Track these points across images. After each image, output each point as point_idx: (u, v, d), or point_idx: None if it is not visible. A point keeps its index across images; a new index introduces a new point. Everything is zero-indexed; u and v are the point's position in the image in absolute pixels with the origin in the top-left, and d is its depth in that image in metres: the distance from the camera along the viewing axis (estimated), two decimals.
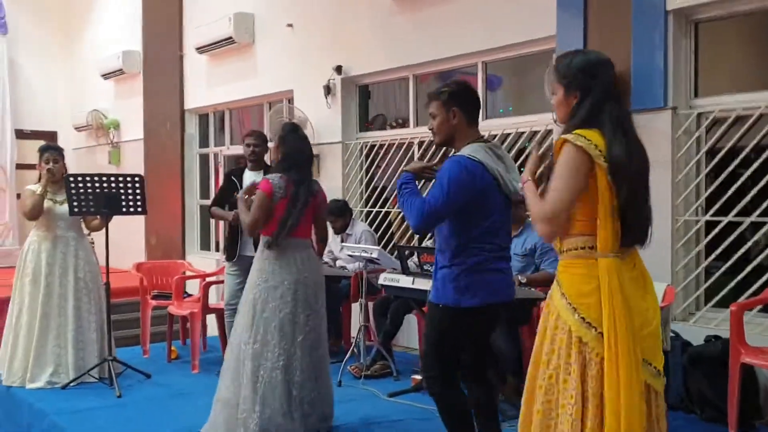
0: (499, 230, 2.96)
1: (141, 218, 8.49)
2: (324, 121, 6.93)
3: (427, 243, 5.24)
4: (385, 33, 6.28)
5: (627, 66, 4.47)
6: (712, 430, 3.78)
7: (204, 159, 9.21)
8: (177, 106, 9.15)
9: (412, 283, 4.36)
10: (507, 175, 2.96)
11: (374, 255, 4.89)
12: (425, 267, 4.28)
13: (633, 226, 2.21)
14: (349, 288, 5.83)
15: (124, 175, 4.97)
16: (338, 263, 6.08)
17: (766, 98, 4.11)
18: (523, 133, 5.49)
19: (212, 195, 9.02)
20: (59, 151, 5.10)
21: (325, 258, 6.23)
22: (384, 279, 4.59)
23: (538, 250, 4.45)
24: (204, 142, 9.20)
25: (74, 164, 10.55)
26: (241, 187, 5.11)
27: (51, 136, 11.59)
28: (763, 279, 4.03)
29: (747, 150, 4.19)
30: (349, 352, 5.10)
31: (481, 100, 5.58)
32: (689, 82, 4.42)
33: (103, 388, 4.83)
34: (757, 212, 4.10)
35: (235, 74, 8.14)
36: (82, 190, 4.77)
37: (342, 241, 6.09)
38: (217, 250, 8.89)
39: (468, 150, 2.91)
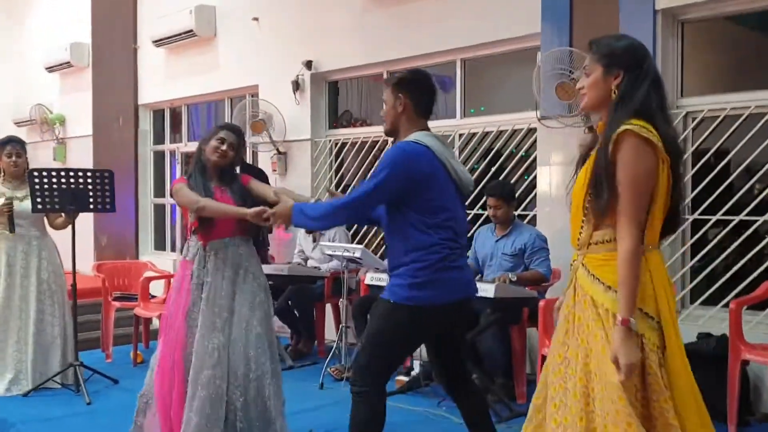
0: (456, 225, 2.82)
1: (89, 217, 8.13)
2: (292, 118, 6.75)
3: None
4: (358, 27, 6.15)
5: None
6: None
7: (159, 156, 8.88)
8: (130, 101, 8.80)
9: None
10: (456, 164, 2.84)
11: (357, 254, 4.75)
12: None
13: (674, 220, 2.16)
14: (323, 288, 5.68)
15: (93, 170, 4.70)
16: (310, 263, 5.92)
17: (755, 98, 4.16)
18: (502, 131, 5.46)
19: (167, 193, 8.75)
20: (22, 144, 4.79)
21: (296, 258, 6.07)
22: (371, 279, 4.47)
23: (528, 250, 4.41)
24: (159, 139, 8.87)
25: None
26: None
27: None
28: (752, 277, 4.09)
29: (735, 150, 4.25)
30: (330, 354, 4.95)
31: (457, 97, 5.68)
32: (676, 82, 4.46)
33: (68, 394, 4.55)
34: (745, 212, 4.16)
35: (194, 68, 7.86)
36: (47, 186, 4.47)
37: (314, 240, 5.93)
38: (173, 249, 8.59)
39: (414, 136, 2.78)
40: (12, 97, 10.64)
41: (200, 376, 3.26)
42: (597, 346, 2.11)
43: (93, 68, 9.26)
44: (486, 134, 5.52)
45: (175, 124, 8.70)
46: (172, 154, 8.66)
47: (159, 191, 8.86)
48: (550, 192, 4.91)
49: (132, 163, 8.78)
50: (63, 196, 4.49)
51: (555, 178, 4.87)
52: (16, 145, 4.74)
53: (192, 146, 8.21)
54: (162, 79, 8.34)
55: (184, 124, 8.48)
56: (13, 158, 4.69)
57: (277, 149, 6.85)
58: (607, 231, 2.13)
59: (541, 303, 3.77)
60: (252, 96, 7.25)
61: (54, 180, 4.47)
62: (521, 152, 5.43)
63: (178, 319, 3.34)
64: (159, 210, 8.89)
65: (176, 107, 8.55)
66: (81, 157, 9.31)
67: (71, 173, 4.56)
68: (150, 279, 5.70)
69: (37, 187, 4.44)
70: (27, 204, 4.61)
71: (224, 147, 3.39)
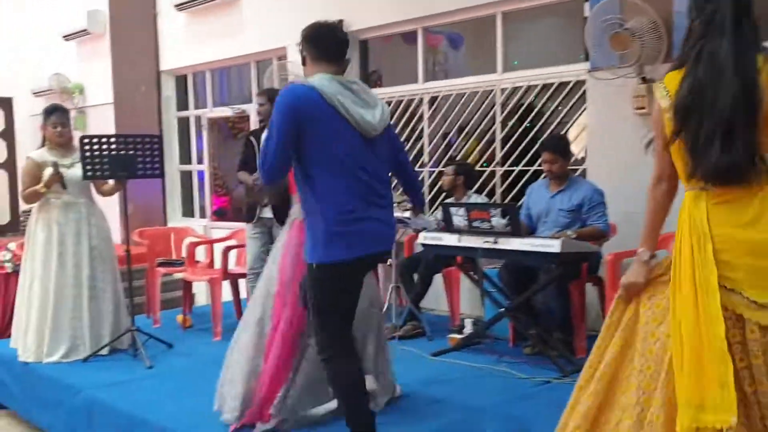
0: (363, 172, 2.69)
1: None
2: None
3: (477, 199, 5.12)
4: None
5: (668, 12, 4.39)
6: None
7: (183, 122, 8.81)
8: (152, 68, 8.68)
9: (458, 241, 4.23)
10: (355, 106, 2.70)
11: (406, 215, 4.73)
12: (474, 224, 4.15)
13: (700, 162, 2.08)
14: None
15: (141, 136, 4.65)
16: None
17: None
18: (534, 86, 5.39)
19: (194, 159, 8.71)
20: (66, 113, 4.75)
21: None
22: (424, 238, 4.44)
23: (586, 206, 4.36)
24: (183, 105, 8.79)
25: (33, 132, 9.97)
26: (258, 148, 4.89)
27: (6, 102, 10.91)
28: None
29: None
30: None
31: (498, 52, 5.58)
32: None
33: (125, 359, 4.58)
34: None
35: (218, 32, 7.75)
36: (96, 152, 4.43)
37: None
38: (202, 216, 8.58)
39: (306, 80, 2.73)
40: (30, 68, 10.52)
41: None
42: None
43: (111, 35, 9.13)
44: (528, 88, 5.45)
45: (199, 90, 8.61)
46: (198, 120, 8.59)
47: (184, 158, 8.82)
48: (601, 145, 4.86)
49: (156, 131, 8.70)
50: (113, 162, 4.45)
51: (605, 131, 4.81)
52: (61, 114, 4.70)
53: (218, 112, 8.15)
54: (184, 44, 8.22)
55: (209, 90, 8.39)
56: (59, 128, 4.66)
57: None
58: None
59: (609, 257, 3.75)
60: (279, 59, 7.17)
61: (104, 147, 4.44)
62: (560, 107, 5.38)
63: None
64: (185, 177, 8.85)
65: (199, 72, 8.45)
66: (102, 125, 9.23)
67: (120, 139, 4.53)
68: (196, 244, 5.69)
69: (88, 154, 4.41)
70: (75, 171, 4.58)
71: None
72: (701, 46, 2.10)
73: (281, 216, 4.83)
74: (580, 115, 5.23)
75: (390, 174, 3.04)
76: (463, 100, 5.89)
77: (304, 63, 2.89)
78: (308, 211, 2.75)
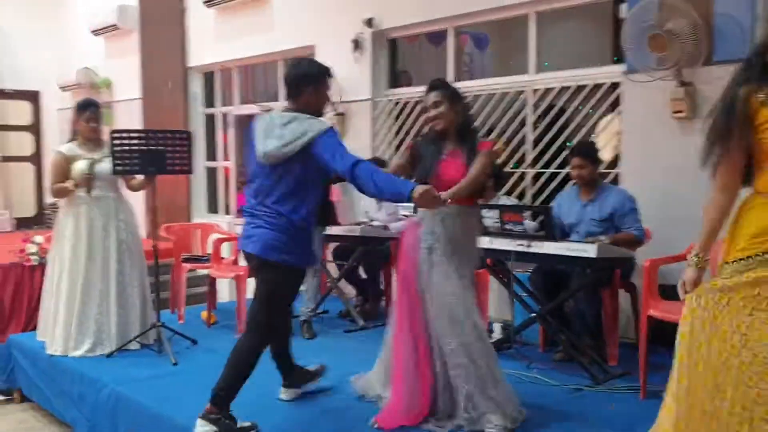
0: (253, 191, 3.35)
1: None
2: (351, 78, 6.62)
3: (507, 201, 5.05)
4: None
5: (708, 14, 4.29)
6: None
7: (209, 119, 8.82)
8: (179, 64, 8.71)
9: (490, 244, 4.14)
10: (265, 136, 3.23)
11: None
12: (506, 226, 4.07)
13: None
14: (389, 249, 5.61)
15: (171, 132, 4.64)
16: (376, 224, 5.84)
17: None
18: (566, 88, 5.32)
19: (220, 156, 8.71)
20: (99, 109, 4.75)
21: (362, 219, 6.00)
22: None
23: (617, 213, 4.27)
24: (210, 102, 8.80)
25: (59, 125, 10.05)
26: None
27: (33, 95, 11.03)
28: None
29: None
30: None
31: (531, 52, 5.49)
32: None
33: (149, 355, 4.57)
34: None
35: (246, 29, 7.74)
36: (126, 147, 4.42)
37: (378, 201, 5.85)
38: (227, 213, 8.58)
39: None
40: (57, 62, 10.61)
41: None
42: None
43: (141, 31, 9.17)
44: (560, 90, 5.36)
45: (225, 87, 8.61)
46: (224, 117, 8.58)
47: (210, 154, 8.82)
48: (636, 149, 4.76)
49: (182, 127, 8.71)
50: (143, 158, 4.44)
51: (641, 134, 4.71)
52: (95, 109, 4.71)
53: (245, 109, 8.14)
54: (212, 41, 8.23)
55: (236, 87, 8.39)
56: (92, 123, 4.67)
57: (336, 110, 6.75)
58: None
59: (646, 263, 3.66)
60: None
61: (134, 142, 4.42)
62: (590, 110, 5.28)
63: (414, 280, 3.29)
64: (211, 173, 8.86)
65: (226, 69, 8.46)
66: (129, 121, 9.29)
67: (150, 134, 4.51)
68: (222, 240, 5.67)
69: (117, 148, 4.40)
70: (104, 166, 4.57)
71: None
72: None
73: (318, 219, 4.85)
74: (600, 117, 5.16)
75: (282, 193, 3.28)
76: (492, 101, 5.82)
77: None
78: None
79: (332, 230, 5.33)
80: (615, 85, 4.98)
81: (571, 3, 5.26)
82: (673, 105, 4.45)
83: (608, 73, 5.04)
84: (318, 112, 3.30)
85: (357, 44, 6.54)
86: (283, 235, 3.19)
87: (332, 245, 5.87)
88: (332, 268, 5.80)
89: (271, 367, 3.61)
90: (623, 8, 4.72)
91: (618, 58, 5.13)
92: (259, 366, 3.27)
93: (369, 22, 6.44)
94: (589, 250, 3.69)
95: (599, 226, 4.29)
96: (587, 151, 4.42)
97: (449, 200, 3.09)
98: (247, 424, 3.25)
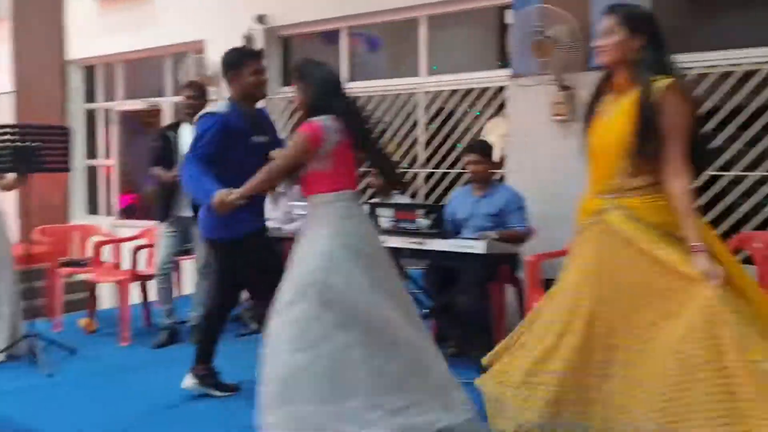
0: None
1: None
2: None
3: (401, 200, 5.06)
4: None
5: (586, 22, 4.49)
6: None
7: (90, 115, 8.39)
8: (57, 57, 8.24)
9: (384, 242, 4.15)
10: None
11: None
12: (400, 224, 4.10)
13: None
14: (284, 250, 5.52)
15: (48, 127, 4.36)
16: (271, 224, 5.73)
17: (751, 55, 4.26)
18: (456, 91, 5.45)
19: (101, 153, 8.29)
20: None
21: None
22: None
23: (507, 210, 4.40)
24: (90, 97, 8.37)
25: None
26: (177, 143, 4.69)
27: None
28: (720, 230, 4.24)
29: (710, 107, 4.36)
30: None
31: (422, 55, 5.56)
32: None
33: (20, 367, 4.26)
34: (716, 166, 4.29)
35: (130, 22, 7.42)
36: None
37: (274, 200, 5.75)
38: (108, 214, 8.18)
39: None
40: None
41: None
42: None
43: (13, 20, 8.60)
44: (451, 92, 5.47)
45: (107, 82, 8.22)
46: (107, 113, 8.19)
47: (91, 152, 8.39)
48: (521, 150, 4.92)
49: (60, 122, 8.24)
50: (15, 154, 4.13)
51: (525, 136, 4.87)
52: None
53: (129, 105, 7.81)
54: (94, 34, 7.83)
55: (120, 82, 8.02)
56: None
57: None
58: (646, 177, 2.38)
59: (530, 258, 3.78)
60: (196, 53, 6.94)
61: (5, 137, 4.12)
62: (477, 112, 5.43)
63: None
64: (91, 172, 8.43)
65: (108, 64, 8.07)
66: (1, 115, 8.69)
67: (23, 129, 4.23)
68: (102, 243, 5.39)
69: None
70: None
71: None
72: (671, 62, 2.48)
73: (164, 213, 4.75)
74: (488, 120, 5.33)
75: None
76: (384, 102, 5.85)
77: None
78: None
79: None
80: (501, 89, 5.13)
81: (459, 8, 5.37)
82: (554, 108, 4.63)
83: (495, 77, 5.19)
84: (252, 97, 3.48)
85: (249, 41, 6.40)
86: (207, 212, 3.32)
87: None
88: None
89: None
90: (508, 14, 4.86)
91: (503, 63, 5.29)
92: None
93: (261, 19, 6.33)
94: (478, 247, 3.78)
95: (490, 221, 4.42)
96: (482, 148, 4.55)
97: (241, 200, 3.06)
98: (231, 383, 3.69)
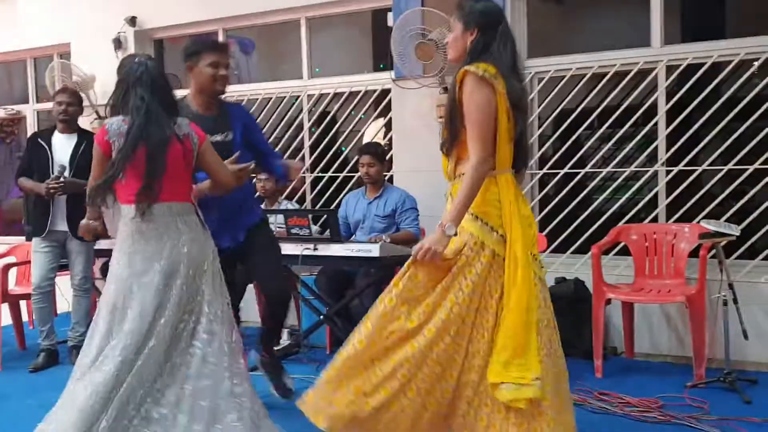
0: None
1: None
2: (113, 80, 6.13)
3: (289, 205, 4.99)
4: None
5: None
6: (570, 363, 4.10)
7: None
8: None
9: None
10: None
11: None
12: (292, 231, 4.05)
13: (522, 152, 2.47)
14: None
15: None
16: None
17: (597, 59, 4.53)
18: (326, 94, 5.48)
19: None
20: None
21: None
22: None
23: (398, 210, 4.46)
24: None
25: None
26: (51, 152, 4.40)
27: None
28: (596, 225, 4.49)
29: (580, 107, 4.61)
30: None
31: (304, 57, 5.53)
32: (523, 43, 4.71)
33: None
34: (590, 164, 4.55)
35: None
36: None
37: None
38: None
39: None
40: None
41: None
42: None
43: None
44: (334, 95, 5.46)
45: None
46: None
47: None
48: (406, 152, 4.99)
49: None
50: None
51: (410, 138, 4.95)
52: None
53: None
54: None
55: None
56: None
57: (98, 113, 6.25)
58: (465, 164, 2.42)
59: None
60: (61, 56, 6.55)
61: None
62: (362, 115, 5.46)
63: None
64: None
65: None
66: None
67: None
68: None
69: None
70: None
71: None
72: (511, 57, 2.43)
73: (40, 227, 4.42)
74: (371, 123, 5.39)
75: None
76: (267, 106, 5.76)
77: None
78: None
79: (102, 244, 4.89)
80: (384, 92, 5.18)
81: (338, 10, 5.38)
82: (437, 111, 4.72)
83: (378, 80, 5.23)
84: (208, 93, 3.17)
85: (119, 44, 6.12)
86: None
87: (101, 261, 5.40)
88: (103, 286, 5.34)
89: None
90: (390, 17, 4.91)
91: (384, 65, 5.34)
92: None
93: (132, 21, 6.05)
94: (373, 250, 3.79)
95: (382, 222, 4.47)
96: (375, 150, 4.59)
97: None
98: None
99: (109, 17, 6.06)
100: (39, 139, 4.48)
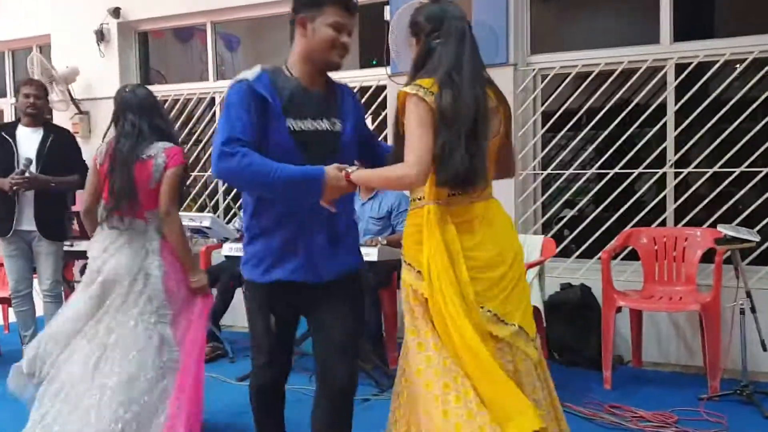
0: None
1: None
2: (97, 73, 5.93)
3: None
4: None
5: (468, 18, 4.42)
6: (576, 374, 3.96)
7: None
8: None
9: None
10: None
11: (206, 223, 4.28)
12: None
13: (452, 173, 2.05)
14: None
15: None
16: None
17: (604, 56, 4.35)
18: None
19: None
20: None
21: None
22: (230, 249, 4.01)
23: (394, 212, 4.26)
24: None
25: None
26: (15, 146, 4.12)
27: None
28: (603, 228, 4.32)
29: (587, 105, 4.44)
30: None
31: None
32: (526, 40, 4.53)
33: None
34: (596, 166, 4.37)
35: None
36: None
37: None
38: None
39: None
40: None
41: None
42: None
43: None
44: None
45: None
46: None
47: None
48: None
49: None
50: None
51: None
52: None
53: None
54: None
55: None
56: None
57: (79, 108, 6.00)
58: (413, 193, 2.22)
59: None
60: (41, 48, 6.29)
61: None
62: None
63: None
64: None
65: None
66: None
67: None
68: None
69: None
70: None
71: None
72: (455, 61, 2.12)
73: (52, 229, 4.14)
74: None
75: None
76: None
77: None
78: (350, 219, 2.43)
79: (82, 245, 4.64)
80: (381, 89, 4.98)
81: None
82: None
83: (374, 75, 5.03)
84: (319, 63, 2.26)
85: (101, 36, 5.87)
86: None
87: (80, 263, 5.14)
88: None
89: None
90: (387, 11, 4.71)
91: (376, 61, 5.14)
92: None
93: (116, 12, 5.80)
94: (371, 253, 3.59)
95: (377, 224, 4.28)
96: None
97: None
98: None
99: (91, 8, 5.82)
100: (2, 133, 4.17)
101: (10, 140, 4.13)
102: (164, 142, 2.96)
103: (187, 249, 3.00)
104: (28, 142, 4.14)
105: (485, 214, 2.15)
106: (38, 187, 4.02)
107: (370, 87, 5.07)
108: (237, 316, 5.05)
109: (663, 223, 4.21)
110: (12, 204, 4.07)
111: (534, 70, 4.48)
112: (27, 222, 4.08)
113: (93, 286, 2.94)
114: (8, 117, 6.70)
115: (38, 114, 4.25)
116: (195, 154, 5.84)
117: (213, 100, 5.73)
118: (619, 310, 3.77)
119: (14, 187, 3.96)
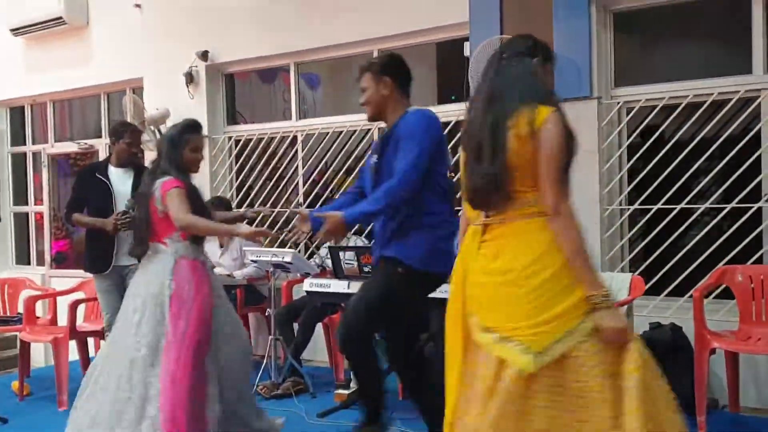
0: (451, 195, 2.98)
1: None
2: (186, 114, 6.10)
3: (358, 241, 4.80)
4: (261, 13, 5.70)
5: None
6: None
7: (19, 159, 7.88)
8: None
9: (347, 288, 3.89)
10: None
11: (287, 259, 4.35)
12: (366, 269, 3.84)
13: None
14: (235, 298, 5.18)
15: None
16: (219, 270, 5.39)
17: (692, 87, 4.22)
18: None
19: (31, 200, 7.77)
20: None
21: None
22: (310, 285, 4.06)
23: None
24: (18, 140, 7.87)
25: None
26: (111, 186, 4.31)
27: None
28: (694, 265, 4.14)
29: (675, 138, 4.30)
30: (261, 369, 4.49)
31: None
32: (609, 72, 4.45)
33: None
34: (686, 200, 4.21)
35: (61, 60, 7.03)
36: None
37: (221, 246, 5.43)
38: (40, 263, 7.63)
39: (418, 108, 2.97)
40: None
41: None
42: None
43: None
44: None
45: (39, 123, 7.74)
46: (36, 156, 7.70)
47: (20, 198, 7.86)
48: None
49: None
50: None
51: None
52: None
53: (61, 147, 7.37)
54: (21, 73, 7.39)
55: (50, 123, 7.56)
56: None
57: None
58: None
59: None
60: (134, 90, 6.61)
61: None
62: None
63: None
64: (21, 220, 7.88)
65: (39, 104, 7.62)
66: None
67: None
68: (35, 298, 4.91)
69: None
70: None
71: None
72: None
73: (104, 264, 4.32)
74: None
75: None
76: (337, 140, 5.63)
77: (383, 91, 2.97)
78: (411, 221, 2.86)
79: None
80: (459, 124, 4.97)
81: (415, 41, 5.22)
82: None
83: (452, 111, 5.03)
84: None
85: (191, 78, 6.12)
86: None
87: None
88: None
89: None
90: (466, 46, 4.73)
91: (455, 97, 5.15)
92: None
93: (204, 55, 6.05)
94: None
95: None
96: None
97: None
98: None
99: (181, 52, 6.08)
100: (97, 174, 4.38)
101: (106, 181, 4.34)
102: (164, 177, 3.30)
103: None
104: (122, 182, 4.35)
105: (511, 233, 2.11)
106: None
107: (450, 123, 5.08)
108: (317, 350, 5.10)
109: (759, 260, 4.00)
110: (109, 242, 4.26)
111: (618, 103, 4.39)
112: (124, 258, 4.25)
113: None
114: (103, 157, 7.05)
115: (132, 156, 4.47)
116: (277, 190, 5.97)
117: (295, 138, 5.86)
118: (713, 351, 3.58)
119: (118, 227, 4.14)
